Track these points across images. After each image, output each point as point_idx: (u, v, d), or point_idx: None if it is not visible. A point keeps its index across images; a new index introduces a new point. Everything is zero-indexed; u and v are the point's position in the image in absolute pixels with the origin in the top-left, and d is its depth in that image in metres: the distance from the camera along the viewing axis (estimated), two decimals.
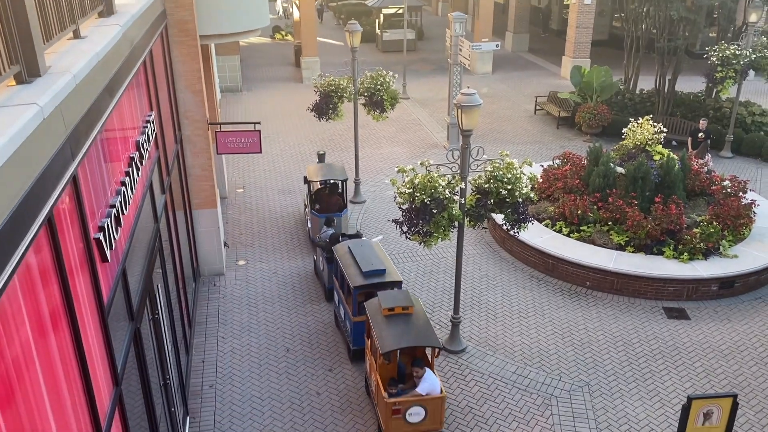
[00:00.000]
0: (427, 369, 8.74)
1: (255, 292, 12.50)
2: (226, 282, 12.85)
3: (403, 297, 9.25)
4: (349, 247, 10.90)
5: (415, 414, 8.58)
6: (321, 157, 15.82)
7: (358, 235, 12.08)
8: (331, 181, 14.21)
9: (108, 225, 5.48)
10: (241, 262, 13.59)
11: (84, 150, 5.01)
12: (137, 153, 7.23)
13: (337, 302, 11.22)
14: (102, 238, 5.28)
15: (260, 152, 13.12)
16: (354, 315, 10.15)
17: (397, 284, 10.15)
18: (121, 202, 6.06)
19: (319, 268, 12.59)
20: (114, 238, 5.66)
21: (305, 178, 14.16)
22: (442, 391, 8.65)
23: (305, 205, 14.78)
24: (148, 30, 8.89)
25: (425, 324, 8.92)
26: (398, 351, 9.10)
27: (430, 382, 8.63)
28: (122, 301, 6.18)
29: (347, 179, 14.26)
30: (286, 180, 17.73)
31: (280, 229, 15.03)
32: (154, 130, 8.67)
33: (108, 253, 5.40)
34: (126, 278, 6.25)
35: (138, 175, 7.13)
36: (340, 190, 14.20)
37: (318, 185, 14.56)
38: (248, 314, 11.82)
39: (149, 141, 8.10)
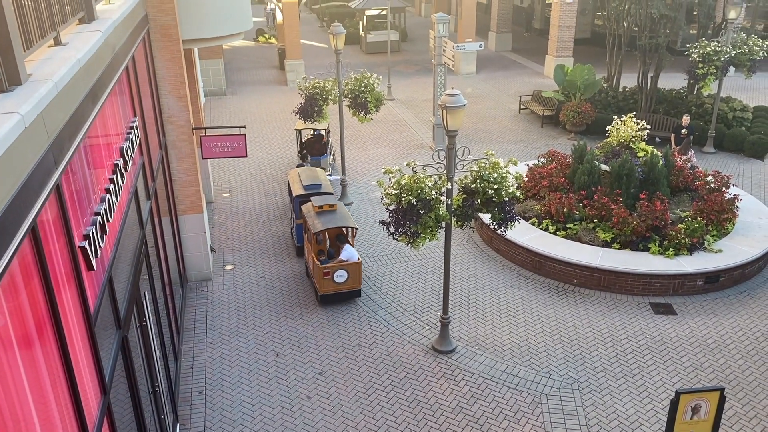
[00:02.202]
0: (347, 244, 12.21)
1: (243, 297, 12.44)
2: (213, 287, 12.78)
3: (330, 199, 12.83)
4: (298, 173, 14.46)
5: (340, 275, 11.88)
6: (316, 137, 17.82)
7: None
8: (316, 132, 17.63)
9: (93, 233, 5.44)
10: (229, 267, 13.53)
11: (67, 158, 4.96)
12: (121, 159, 7.18)
13: (306, 254, 13.24)
14: (87, 246, 5.23)
15: (246, 156, 13.07)
16: (297, 218, 13.49)
17: (329, 195, 13.33)
18: (106, 210, 6.01)
19: (292, 227, 14.45)
20: (99, 246, 5.61)
21: (296, 130, 17.54)
22: (358, 260, 12.02)
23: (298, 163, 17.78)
24: (130, 35, 8.83)
25: (345, 215, 12.50)
26: (327, 235, 12.75)
27: (349, 252, 12.08)
28: (109, 309, 6.13)
29: (329, 130, 18.07)
30: (273, 183, 17.68)
31: (267, 232, 14.98)
32: (138, 136, 8.60)
33: (93, 261, 5.35)
34: (112, 286, 6.20)
35: (123, 182, 7.08)
36: (324, 141, 17.54)
37: (309, 135, 17.97)
38: (236, 319, 11.76)
39: (133, 147, 8.05)
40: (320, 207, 12.49)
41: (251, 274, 13.23)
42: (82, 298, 5.14)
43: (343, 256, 12.07)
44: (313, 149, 17.39)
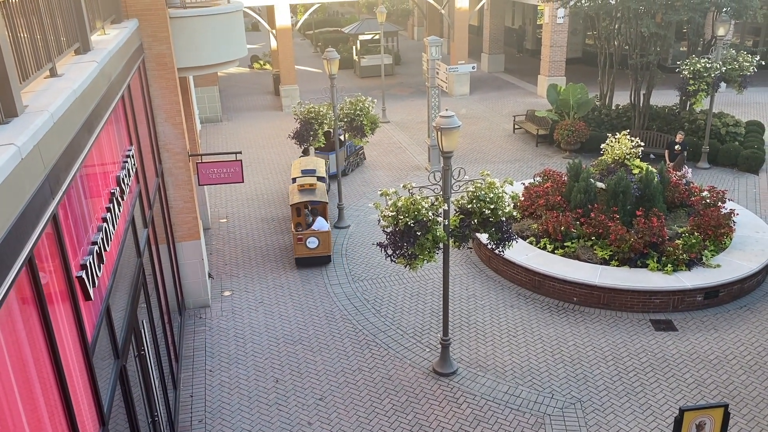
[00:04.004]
0: (319, 216, 14.35)
1: (242, 323, 12.37)
2: (212, 314, 12.72)
3: (311, 180, 15.00)
4: (300, 161, 16.75)
5: (312, 242, 14.01)
6: (306, 152, 18.38)
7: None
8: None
9: (90, 262, 5.42)
10: (227, 293, 13.47)
11: (64, 188, 4.97)
12: (118, 188, 7.19)
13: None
14: (84, 276, 5.21)
15: (242, 181, 13.10)
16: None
17: (322, 179, 15.80)
18: (102, 239, 6.00)
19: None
20: (97, 276, 5.59)
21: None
22: (329, 230, 14.13)
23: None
24: (126, 65, 8.90)
25: (321, 192, 14.74)
26: (306, 209, 14.51)
27: (320, 223, 14.23)
28: (107, 338, 6.09)
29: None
30: (269, 208, 17.69)
31: (265, 257, 14.95)
32: (134, 164, 8.63)
33: (91, 291, 5.33)
34: (110, 315, 6.16)
35: (119, 211, 7.08)
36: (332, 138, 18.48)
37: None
38: (235, 346, 11.68)
39: (130, 175, 8.07)
40: (302, 186, 14.72)
41: (249, 300, 13.17)
42: (80, 328, 5.11)
43: (315, 226, 14.20)
44: (326, 145, 18.26)
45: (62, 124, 5.09)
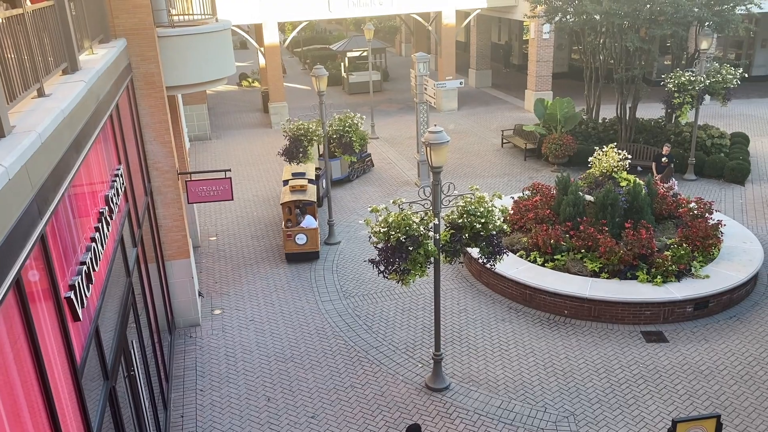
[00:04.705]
0: (308, 215, 15.29)
1: (232, 342, 12.28)
2: (202, 333, 12.62)
3: (302, 182, 15.95)
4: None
5: (300, 238, 14.98)
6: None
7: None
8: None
9: (79, 283, 5.38)
10: (217, 312, 13.38)
11: (52, 208, 4.94)
12: (107, 207, 7.15)
13: None
14: (73, 296, 5.17)
15: (232, 199, 13.07)
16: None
17: (312, 180, 16.63)
18: (91, 259, 5.96)
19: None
20: (85, 296, 5.55)
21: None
22: (317, 227, 15.07)
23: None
24: (114, 84, 8.90)
25: (311, 193, 15.66)
26: (297, 208, 15.45)
27: (308, 221, 15.11)
28: (96, 359, 6.02)
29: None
30: (259, 225, 17.65)
31: (255, 275, 14.88)
32: (123, 184, 8.60)
33: (80, 311, 5.28)
34: (99, 336, 6.11)
35: (108, 230, 7.04)
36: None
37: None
38: (226, 365, 11.58)
39: (119, 195, 8.03)
40: (293, 187, 15.74)
41: (240, 318, 13.09)
42: (68, 349, 5.06)
43: (303, 223, 15.13)
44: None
45: (50, 144, 5.07)
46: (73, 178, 5.79)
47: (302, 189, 15.72)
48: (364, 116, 17.86)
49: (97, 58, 8.50)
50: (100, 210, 6.94)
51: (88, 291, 5.71)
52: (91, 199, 6.77)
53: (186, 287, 12.55)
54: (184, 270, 12.46)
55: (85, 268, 5.70)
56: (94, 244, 6.19)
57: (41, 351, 4.37)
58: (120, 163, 8.91)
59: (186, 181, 12.86)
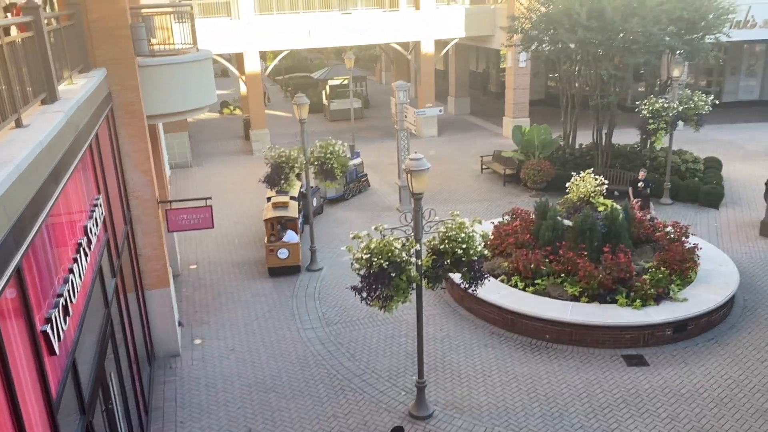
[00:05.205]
0: (289, 229, 15.88)
1: (213, 372, 12.11)
2: (182, 363, 12.43)
3: (284, 198, 16.73)
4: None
5: (282, 253, 15.57)
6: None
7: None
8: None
9: (56, 316, 5.31)
10: (198, 341, 13.21)
11: (28, 240, 4.90)
12: (85, 238, 7.09)
13: None
14: (49, 330, 5.09)
15: (212, 227, 13.01)
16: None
17: (294, 197, 17.22)
18: (69, 291, 5.89)
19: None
20: (62, 329, 5.47)
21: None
22: (298, 242, 15.72)
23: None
24: (94, 114, 8.88)
25: (293, 209, 16.38)
26: (279, 224, 15.99)
27: (290, 236, 15.75)
28: (72, 394, 5.91)
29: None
30: (240, 252, 17.54)
31: (236, 303, 14.74)
32: (102, 213, 8.53)
33: (56, 345, 5.20)
34: (76, 370, 6.00)
35: (86, 261, 6.97)
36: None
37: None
38: (206, 395, 11.41)
39: (97, 225, 7.97)
40: (276, 203, 16.52)
41: (221, 348, 12.93)
42: (44, 384, 4.97)
43: (285, 238, 15.70)
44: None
45: (27, 176, 5.04)
46: (51, 209, 5.75)
47: (284, 205, 16.42)
48: (346, 143, 17.95)
49: (77, 88, 8.49)
50: (79, 241, 6.88)
51: (65, 324, 5.63)
52: (69, 230, 6.71)
53: (166, 317, 12.39)
54: (164, 299, 12.31)
55: (62, 300, 5.63)
56: (71, 276, 6.12)
57: (14, 387, 4.28)
58: (99, 192, 8.85)
59: (166, 210, 12.78)
